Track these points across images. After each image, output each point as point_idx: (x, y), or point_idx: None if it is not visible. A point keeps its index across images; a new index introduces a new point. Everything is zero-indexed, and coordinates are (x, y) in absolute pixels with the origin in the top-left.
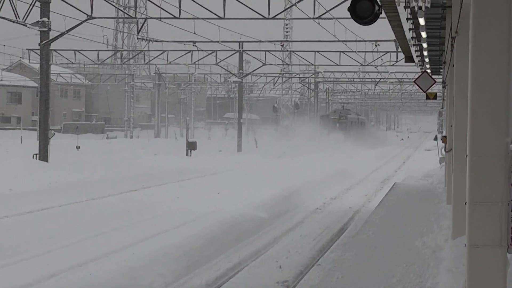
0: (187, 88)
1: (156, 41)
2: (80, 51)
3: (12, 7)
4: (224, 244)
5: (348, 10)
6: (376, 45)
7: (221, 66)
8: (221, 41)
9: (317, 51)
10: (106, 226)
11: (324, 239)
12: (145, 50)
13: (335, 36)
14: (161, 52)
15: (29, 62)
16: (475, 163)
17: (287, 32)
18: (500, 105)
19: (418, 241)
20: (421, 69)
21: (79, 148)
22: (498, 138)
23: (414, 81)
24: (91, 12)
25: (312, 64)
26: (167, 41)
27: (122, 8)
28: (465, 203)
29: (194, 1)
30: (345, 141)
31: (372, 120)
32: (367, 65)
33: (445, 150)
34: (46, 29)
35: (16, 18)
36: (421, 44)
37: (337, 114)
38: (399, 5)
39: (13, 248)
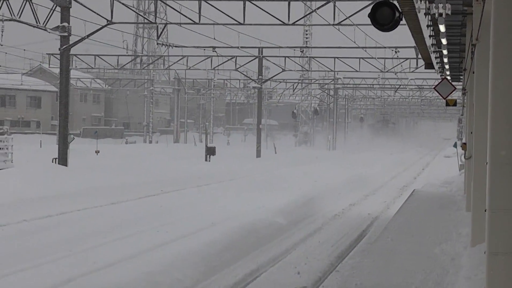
0: (207, 94)
1: (175, 46)
2: (100, 56)
3: (32, 12)
4: (243, 250)
5: (368, 16)
6: (396, 52)
7: (240, 72)
8: (241, 47)
9: (337, 57)
10: (124, 231)
11: (343, 245)
12: (165, 55)
13: (355, 42)
14: (181, 57)
15: (49, 67)
16: (495, 170)
17: (306, 38)
18: None
19: (437, 248)
20: (441, 75)
21: (98, 152)
22: None
23: (434, 88)
24: (111, 17)
25: (332, 70)
26: (187, 47)
27: (142, 13)
28: (485, 211)
29: (214, 7)
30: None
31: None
32: (386, 71)
33: (464, 157)
34: (66, 34)
35: (37, 23)
36: (441, 51)
37: (381, 124)
38: (419, 12)
39: (31, 252)
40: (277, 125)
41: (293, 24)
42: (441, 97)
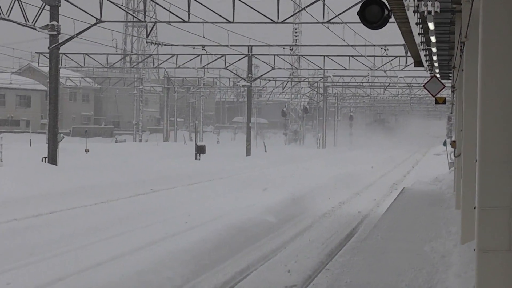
0: (196, 92)
1: (165, 44)
2: (90, 55)
3: (21, 10)
4: (233, 248)
5: (357, 14)
6: (385, 50)
7: (230, 70)
8: (230, 45)
9: (326, 56)
10: (115, 229)
11: (333, 243)
12: (154, 54)
13: (344, 40)
14: (170, 56)
15: (39, 66)
16: (485, 168)
17: (296, 36)
18: (510, 110)
19: (427, 246)
20: (430, 73)
21: (88, 151)
22: (508, 143)
23: (424, 86)
24: (101, 16)
25: (321, 69)
26: (176, 45)
27: (131, 12)
28: (475, 208)
29: (203, 5)
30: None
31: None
32: (376, 69)
33: (454, 155)
34: (56, 33)
35: (26, 21)
36: (431, 49)
37: (377, 122)
38: (408, 10)
39: (21, 251)
40: (267, 124)
41: (283, 22)
42: (430, 95)
